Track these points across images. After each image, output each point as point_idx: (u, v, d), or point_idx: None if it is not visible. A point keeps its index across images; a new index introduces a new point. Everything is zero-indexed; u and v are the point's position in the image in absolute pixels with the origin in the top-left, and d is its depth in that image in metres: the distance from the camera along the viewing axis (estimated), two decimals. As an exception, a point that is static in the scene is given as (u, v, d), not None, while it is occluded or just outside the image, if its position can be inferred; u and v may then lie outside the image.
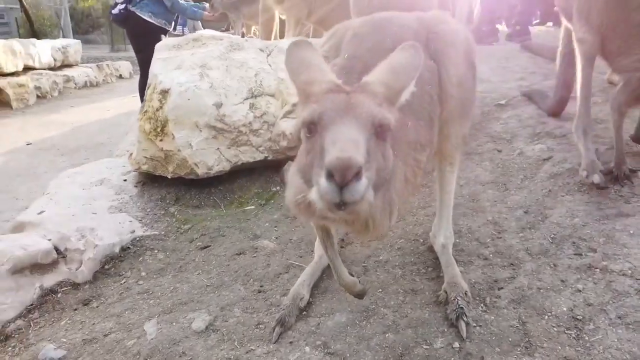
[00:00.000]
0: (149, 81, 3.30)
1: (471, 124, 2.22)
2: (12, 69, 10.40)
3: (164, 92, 3.08)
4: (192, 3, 6.79)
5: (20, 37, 13.67)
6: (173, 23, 6.36)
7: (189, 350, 1.88)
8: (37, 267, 2.49)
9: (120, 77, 14.77)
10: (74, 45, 13.82)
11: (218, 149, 3.08)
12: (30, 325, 2.26)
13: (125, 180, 3.46)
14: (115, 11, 6.15)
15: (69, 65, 13.23)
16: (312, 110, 1.24)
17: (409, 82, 1.37)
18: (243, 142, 3.11)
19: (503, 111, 3.63)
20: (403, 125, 1.58)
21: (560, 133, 3.07)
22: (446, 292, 1.93)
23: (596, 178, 2.31)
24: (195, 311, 2.12)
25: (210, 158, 3.05)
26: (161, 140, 3.09)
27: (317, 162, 1.21)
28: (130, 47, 7.03)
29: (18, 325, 2.25)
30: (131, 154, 3.43)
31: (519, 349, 1.68)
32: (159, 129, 3.08)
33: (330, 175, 1.12)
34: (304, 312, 2.01)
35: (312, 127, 1.25)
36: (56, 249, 2.60)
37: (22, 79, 10.18)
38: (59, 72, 12.05)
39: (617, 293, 1.81)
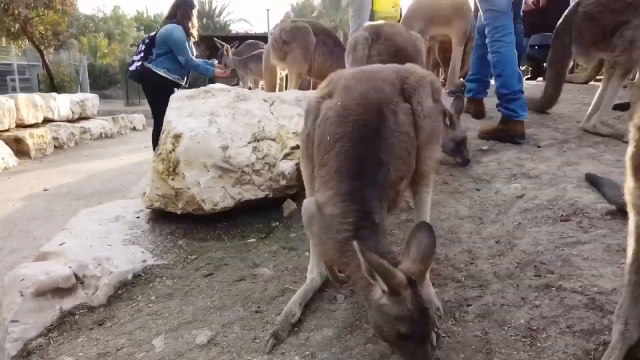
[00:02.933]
0: (163, 127, 3.68)
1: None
2: (32, 121, 11.05)
3: (177, 137, 3.45)
4: (204, 60, 7.34)
5: (40, 92, 14.46)
6: (185, 78, 6.86)
7: (192, 360, 2.11)
8: (57, 291, 2.74)
9: (134, 129, 15.45)
10: (91, 99, 14.58)
11: (223, 187, 3.40)
12: (50, 343, 2.48)
13: (138, 217, 3.76)
14: (132, 68, 6.69)
15: (86, 118, 13.92)
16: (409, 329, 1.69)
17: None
18: (246, 181, 3.45)
19: (485, 155, 3.95)
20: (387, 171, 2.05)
21: (534, 174, 3.38)
22: (420, 308, 2.19)
23: None
24: (199, 329, 2.34)
25: (216, 195, 3.37)
26: (173, 179, 3.42)
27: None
28: (143, 101, 7.63)
29: (39, 342, 2.47)
30: (144, 193, 3.76)
31: (480, 355, 1.90)
32: (171, 169, 3.43)
33: None
34: (296, 328, 2.22)
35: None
36: (75, 275, 2.87)
37: (41, 130, 10.76)
38: (76, 124, 12.67)
39: (568, 307, 2.05)
